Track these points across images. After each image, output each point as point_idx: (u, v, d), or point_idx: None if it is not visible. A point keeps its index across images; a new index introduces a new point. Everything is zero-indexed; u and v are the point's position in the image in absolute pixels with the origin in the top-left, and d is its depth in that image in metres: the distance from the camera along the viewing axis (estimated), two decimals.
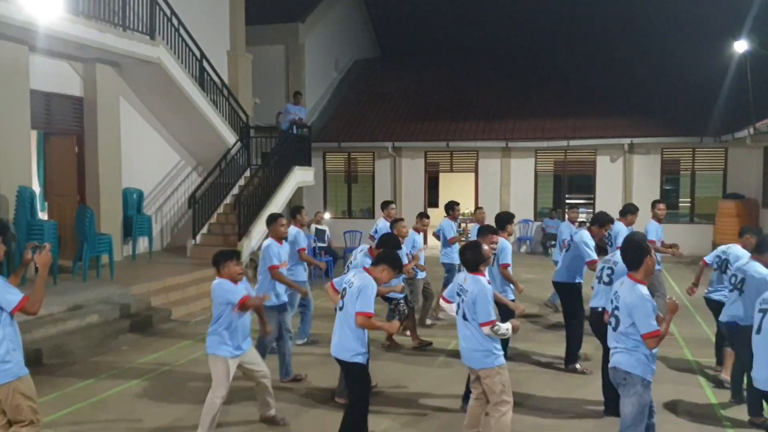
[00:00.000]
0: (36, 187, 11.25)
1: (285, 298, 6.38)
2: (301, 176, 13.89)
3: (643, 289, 3.97)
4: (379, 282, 4.57)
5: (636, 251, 4.10)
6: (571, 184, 16.91)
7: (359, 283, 4.46)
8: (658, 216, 8.19)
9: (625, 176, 15.95)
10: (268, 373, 5.22)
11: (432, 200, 20.20)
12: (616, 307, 4.09)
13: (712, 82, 15.82)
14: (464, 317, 4.56)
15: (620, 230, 7.33)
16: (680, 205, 16.36)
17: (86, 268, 9.31)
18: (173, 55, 11.36)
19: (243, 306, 4.84)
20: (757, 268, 5.50)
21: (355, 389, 4.56)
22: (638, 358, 3.95)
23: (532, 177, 16.68)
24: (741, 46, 12.59)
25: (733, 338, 5.58)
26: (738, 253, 6.27)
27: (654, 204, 8.42)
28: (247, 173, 13.55)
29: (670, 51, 18.05)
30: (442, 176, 19.87)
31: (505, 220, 6.77)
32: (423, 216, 8.47)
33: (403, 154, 17.33)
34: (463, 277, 4.68)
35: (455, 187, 19.87)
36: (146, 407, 5.74)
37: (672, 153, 15.92)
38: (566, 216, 10.44)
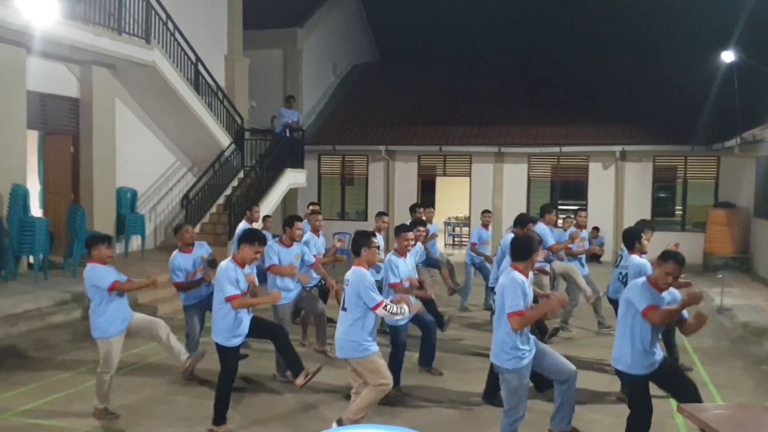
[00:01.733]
0: (37, 186, 11.56)
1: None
2: (293, 178, 14.14)
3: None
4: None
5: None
6: (563, 190, 17.03)
7: None
8: (549, 221, 8.40)
9: (617, 183, 16.08)
10: (163, 323, 5.78)
11: (428, 203, 20.36)
12: None
13: (702, 91, 15.89)
14: (343, 307, 4.79)
15: (542, 230, 7.71)
16: (675, 213, 16.45)
17: (76, 264, 9.58)
18: (168, 59, 11.63)
19: (115, 288, 5.39)
20: (635, 261, 5.87)
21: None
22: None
23: (525, 182, 16.84)
24: (728, 56, 12.73)
25: None
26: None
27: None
28: (241, 174, 13.81)
29: (661, 60, 18.16)
30: (438, 180, 20.03)
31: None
32: (382, 214, 8.74)
33: (396, 158, 17.52)
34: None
35: (451, 191, 20.09)
36: (120, 398, 5.94)
37: (664, 161, 16.03)
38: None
